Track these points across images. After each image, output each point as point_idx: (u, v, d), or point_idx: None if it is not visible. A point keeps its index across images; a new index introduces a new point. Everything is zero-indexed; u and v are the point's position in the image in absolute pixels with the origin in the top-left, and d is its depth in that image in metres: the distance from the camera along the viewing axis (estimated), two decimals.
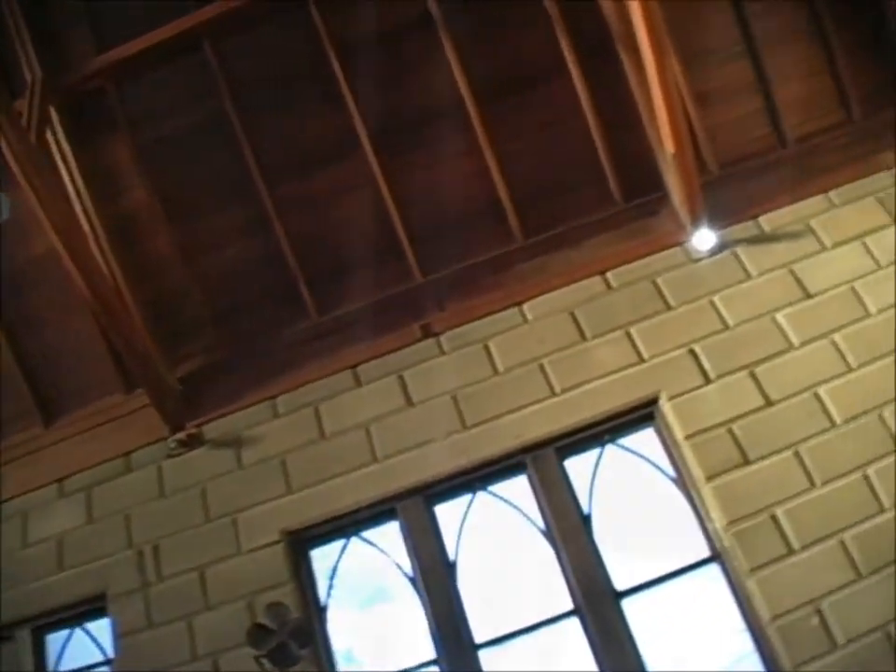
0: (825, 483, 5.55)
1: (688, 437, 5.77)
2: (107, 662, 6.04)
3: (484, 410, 6.07)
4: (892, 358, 5.83)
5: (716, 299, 6.14)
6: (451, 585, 5.80)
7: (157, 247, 6.66)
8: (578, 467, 5.96)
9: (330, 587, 5.95)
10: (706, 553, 5.66)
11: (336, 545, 6.05)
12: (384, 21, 6.36)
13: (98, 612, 6.11)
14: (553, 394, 6.04)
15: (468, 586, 5.81)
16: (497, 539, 5.94)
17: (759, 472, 5.63)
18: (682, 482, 5.80)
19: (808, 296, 6.07)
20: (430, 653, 5.70)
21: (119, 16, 6.49)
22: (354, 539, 6.04)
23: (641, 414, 6.00)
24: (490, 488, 6.02)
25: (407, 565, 5.91)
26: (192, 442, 6.33)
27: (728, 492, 5.60)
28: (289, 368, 6.46)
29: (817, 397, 5.79)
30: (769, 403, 5.80)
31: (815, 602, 5.28)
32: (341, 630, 5.89)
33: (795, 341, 5.95)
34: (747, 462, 5.66)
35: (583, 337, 6.19)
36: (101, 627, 6.12)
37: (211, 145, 6.56)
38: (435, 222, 6.48)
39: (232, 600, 5.84)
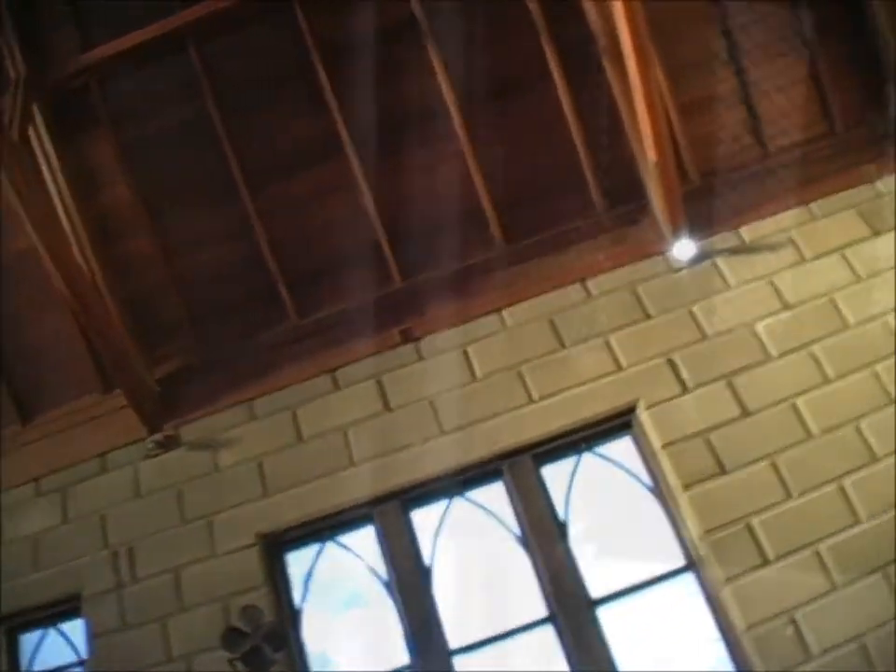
0: (801, 493, 5.57)
1: (665, 446, 5.78)
2: (81, 663, 6.01)
3: (462, 415, 6.05)
4: (870, 371, 5.86)
5: (695, 308, 6.16)
6: (426, 591, 5.79)
7: (137, 247, 6.62)
8: (555, 474, 5.96)
9: (306, 591, 5.93)
10: (681, 561, 5.67)
11: (312, 549, 6.02)
12: (368, 25, 6.34)
13: (72, 613, 6.07)
14: (531, 401, 6.04)
15: (443, 592, 5.79)
16: (473, 545, 5.94)
17: (735, 482, 5.64)
18: (659, 490, 5.81)
19: (787, 307, 6.09)
20: (405, 659, 5.68)
21: (105, 15, 6.47)
22: (329, 544, 6.02)
23: (619, 423, 6.01)
24: (467, 494, 6.02)
25: (383, 569, 5.89)
26: (169, 444, 6.29)
27: (704, 501, 5.61)
28: (268, 370, 6.43)
29: (794, 408, 5.81)
30: (747, 413, 5.82)
31: (790, 612, 5.30)
32: (315, 634, 5.87)
33: (774, 351, 5.97)
34: (723, 472, 5.67)
35: (562, 344, 6.19)
36: (75, 628, 6.07)
37: (193, 145, 6.53)
38: (416, 227, 6.46)
39: (207, 603, 5.81)
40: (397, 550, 5.90)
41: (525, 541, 5.83)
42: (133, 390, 6.33)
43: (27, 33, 6.47)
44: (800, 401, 5.82)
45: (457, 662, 5.64)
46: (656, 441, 5.82)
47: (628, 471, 5.92)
